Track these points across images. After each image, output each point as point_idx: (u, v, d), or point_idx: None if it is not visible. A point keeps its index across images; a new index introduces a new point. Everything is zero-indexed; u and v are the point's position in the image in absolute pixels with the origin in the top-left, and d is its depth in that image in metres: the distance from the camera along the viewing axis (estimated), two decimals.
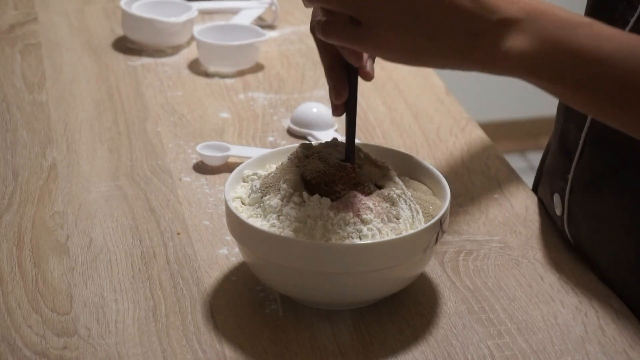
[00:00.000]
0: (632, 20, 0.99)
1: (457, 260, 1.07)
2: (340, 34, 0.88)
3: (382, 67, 1.48)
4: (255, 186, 1.00)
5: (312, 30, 0.94)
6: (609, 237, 1.04)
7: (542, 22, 0.83)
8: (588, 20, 0.83)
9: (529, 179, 1.27)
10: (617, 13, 1.02)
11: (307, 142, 1.03)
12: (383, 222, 0.96)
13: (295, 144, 1.04)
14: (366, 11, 0.85)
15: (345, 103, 0.97)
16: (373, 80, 0.96)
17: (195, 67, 1.51)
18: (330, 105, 0.98)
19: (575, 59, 0.82)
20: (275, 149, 1.07)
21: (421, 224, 0.98)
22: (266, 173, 1.03)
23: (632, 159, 1.00)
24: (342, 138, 1.00)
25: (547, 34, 0.82)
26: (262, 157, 1.06)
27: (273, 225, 0.96)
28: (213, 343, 0.96)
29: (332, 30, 0.88)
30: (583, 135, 1.05)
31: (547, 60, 0.83)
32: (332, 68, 0.97)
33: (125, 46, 1.57)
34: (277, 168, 1.02)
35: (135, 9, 1.56)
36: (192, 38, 1.56)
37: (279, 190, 0.98)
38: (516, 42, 0.83)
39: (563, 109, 1.11)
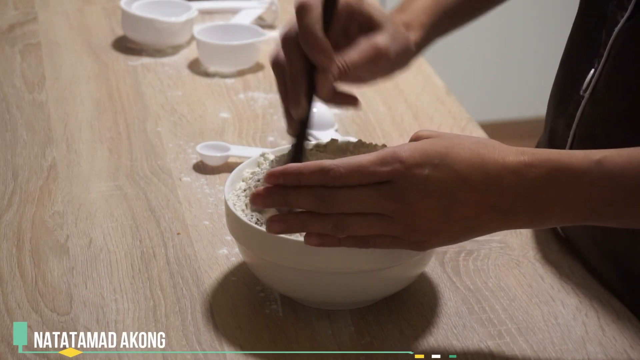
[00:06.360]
0: (622, 21, 0.99)
1: (457, 260, 1.07)
2: (388, 242, 0.90)
3: None
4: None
5: (272, 62, 0.99)
6: (600, 231, 1.04)
7: (563, 177, 0.87)
8: (593, 161, 0.87)
9: None
10: (608, 13, 1.02)
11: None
12: None
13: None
14: (408, 223, 0.88)
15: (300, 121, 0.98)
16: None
17: (195, 67, 1.51)
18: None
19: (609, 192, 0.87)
20: (275, 149, 1.06)
21: None
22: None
23: None
24: (342, 138, 1.00)
25: (572, 190, 0.87)
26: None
27: None
28: (213, 343, 0.96)
29: (384, 242, 0.90)
30: (572, 132, 1.05)
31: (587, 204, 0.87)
32: (296, 74, 0.98)
33: (125, 46, 1.56)
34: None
35: (135, 9, 1.56)
36: (192, 38, 1.56)
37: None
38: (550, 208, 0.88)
39: (554, 106, 1.11)
